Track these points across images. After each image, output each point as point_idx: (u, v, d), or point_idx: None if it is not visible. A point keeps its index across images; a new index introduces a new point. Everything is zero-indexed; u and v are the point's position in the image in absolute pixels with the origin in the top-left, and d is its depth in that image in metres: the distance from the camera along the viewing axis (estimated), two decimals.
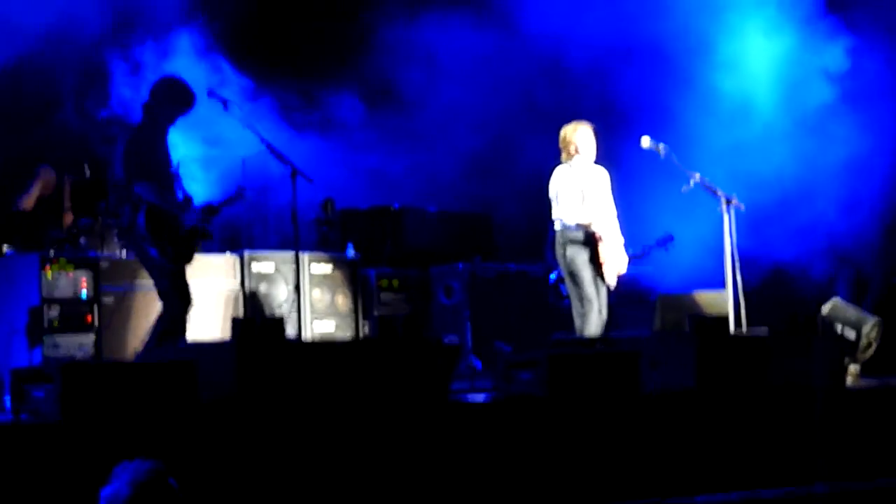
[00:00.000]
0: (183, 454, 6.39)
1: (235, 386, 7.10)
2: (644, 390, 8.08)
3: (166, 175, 9.37)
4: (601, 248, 10.39)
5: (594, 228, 10.41)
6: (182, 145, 10.32)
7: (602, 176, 10.69)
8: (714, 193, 10.50)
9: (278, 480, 6.85)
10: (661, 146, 10.66)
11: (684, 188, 10.59)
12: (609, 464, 7.71)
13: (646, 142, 10.69)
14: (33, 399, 6.91)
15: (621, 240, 10.64)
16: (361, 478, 7.05)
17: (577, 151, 10.54)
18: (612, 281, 10.48)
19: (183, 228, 9.36)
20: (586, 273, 10.37)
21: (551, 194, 10.58)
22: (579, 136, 10.54)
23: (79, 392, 6.61)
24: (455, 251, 12.62)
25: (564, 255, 10.46)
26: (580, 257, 10.39)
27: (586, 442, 7.70)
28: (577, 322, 10.37)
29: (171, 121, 9.47)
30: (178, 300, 9.33)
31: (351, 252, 11.81)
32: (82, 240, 10.72)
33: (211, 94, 9.83)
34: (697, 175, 10.52)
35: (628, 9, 12.27)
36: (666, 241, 11.52)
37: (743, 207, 10.47)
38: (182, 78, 9.63)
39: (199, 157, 11.14)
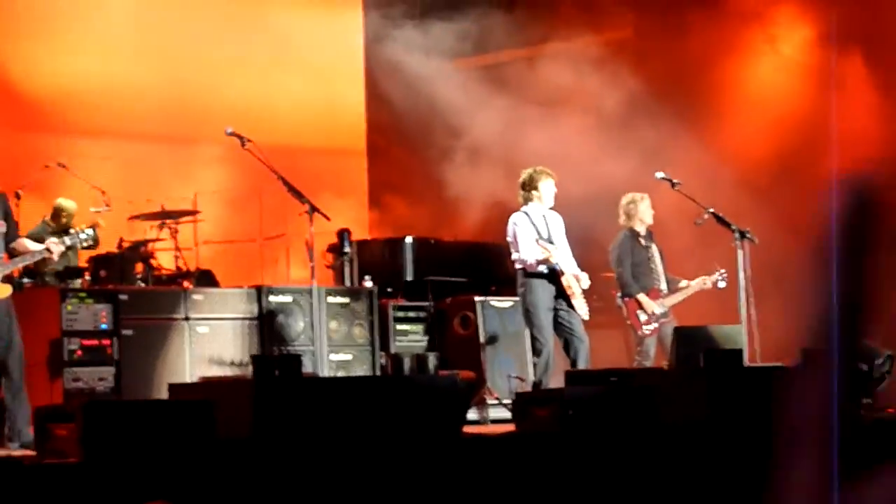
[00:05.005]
0: (201, 492, 6.49)
1: (253, 423, 7.19)
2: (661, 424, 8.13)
3: None
4: (564, 280, 10.19)
5: (554, 262, 10.22)
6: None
7: (558, 220, 10.55)
8: (728, 226, 10.56)
9: None
10: (675, 180, 10.81)
11: (697, 221, 10.68)
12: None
13: (659, 174, 10.82)
14: (56, 437, 7.00)
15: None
16: None
17: (538, 199, 10.42)
18: (583, 311, 10.27)
19: None
20: (542, 315, 10.20)
21: (509, 238, 10.42)
22: (544, 187, 10.42)
23: (99, 430, 6.71)
24: (471, 282, 12.68)
25: (524, 296, 10.27)
26: (539, 296, 10.22)
27: (602, 478, 7.75)
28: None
29: None
30: None
31: (368, 283, 11.89)
32: (102, 272, 10.82)
33: (230, 132, 9.90)
34: (711, 209, 10.62)
35: None
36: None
37: (757, 241, 10.52)
38: None
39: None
